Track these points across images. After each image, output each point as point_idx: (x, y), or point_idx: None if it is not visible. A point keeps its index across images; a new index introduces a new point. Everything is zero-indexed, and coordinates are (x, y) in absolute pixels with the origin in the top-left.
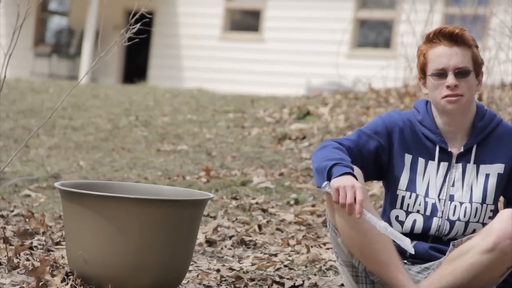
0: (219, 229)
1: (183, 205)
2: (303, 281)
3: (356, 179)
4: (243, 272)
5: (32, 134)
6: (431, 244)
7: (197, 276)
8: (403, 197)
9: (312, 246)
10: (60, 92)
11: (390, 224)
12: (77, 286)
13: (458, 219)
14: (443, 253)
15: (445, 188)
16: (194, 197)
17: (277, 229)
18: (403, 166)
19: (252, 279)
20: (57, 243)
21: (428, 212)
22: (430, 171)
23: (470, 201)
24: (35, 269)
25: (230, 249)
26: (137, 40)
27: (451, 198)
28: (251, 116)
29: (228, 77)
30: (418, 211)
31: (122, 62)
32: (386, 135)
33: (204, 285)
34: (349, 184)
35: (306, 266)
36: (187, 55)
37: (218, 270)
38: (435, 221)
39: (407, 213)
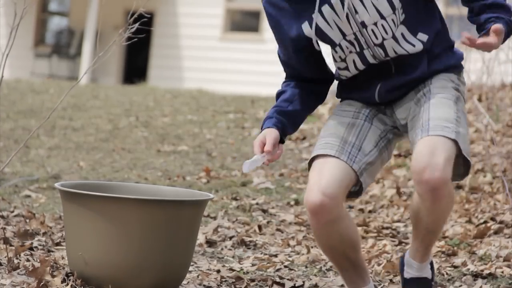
0: (219, 229)
1: (183, 205)
2: (303, 281)
3: (278, 126)
4: (244, 272)
5: (31, 134)
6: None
7: (198, 276)
8: (332, 54)
9: (312, 247)
10: (60, 93)
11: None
12: (77, 287)
13: (384, 39)
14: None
15: (352, 20)
16: (194, 198)
17: (277, 229)
18: (308, 27)
19: (252, 280)
20: (58, 244)
21: (358, 49)
22: (327, 11)
23: (382, 17)
24: (35, 270)
25: (230, 249)
26: (136, 40)
27: (363, 24)
28: (251, 116)
29: (228, 78)
30: (350, 52)
31: (122, 63)
32: (278, 22)
33: (204, 285)
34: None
35: (306, 267)
36: (187, 55)
37: (218, 271)
38: (367, 53)
39: (344, 60)
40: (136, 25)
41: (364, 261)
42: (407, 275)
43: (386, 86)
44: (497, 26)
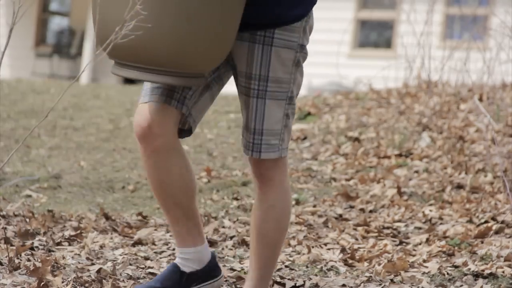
0: (220, 229)
1: None
2: (304, 281)
3: None
4: (244, 272)
5: (29, 132)
6: None
7: None
8: None
9: (313, 247)
10: (61, 93)
11: None
12: (77, 287)
13: None
14: None
15: None
16: None
17: None
18: None
19: None
20: (58, 244)
21: None
22: None
23: None
24: (36, 270)
25: (231, 249)
26: (133, 37)
27: None
28: None
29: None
30: None
31: None
32: None
33: None
34: None
35: (307, 267)
36: None
37: None
38: None
39: None
40: (133, 22)
41: (199, 218)
42: None
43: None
44: None
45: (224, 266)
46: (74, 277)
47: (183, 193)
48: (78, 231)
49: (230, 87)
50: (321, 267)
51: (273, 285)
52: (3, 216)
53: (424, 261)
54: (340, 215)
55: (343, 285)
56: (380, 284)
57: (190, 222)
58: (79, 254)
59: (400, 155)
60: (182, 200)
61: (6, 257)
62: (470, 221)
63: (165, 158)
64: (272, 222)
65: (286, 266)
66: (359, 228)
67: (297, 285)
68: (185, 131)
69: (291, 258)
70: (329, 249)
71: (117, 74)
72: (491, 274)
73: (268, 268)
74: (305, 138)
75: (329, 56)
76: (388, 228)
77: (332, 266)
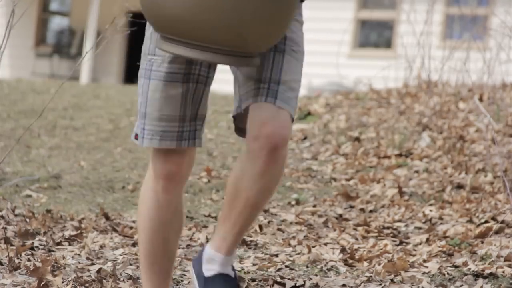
0: None
1: None
2: (304, 281)
3: None
4: (244, 272)
5: (25, 130)
6: None
7: None
8: None
9: (313, 247)
10: (61, 92)
11: None
12: (77, 287)
13: None
14: None
15: None
16: None
17: (278, 229)
18: None
19: (253, 280)
20: (58, 244)
21: None
22: None
23: None
24: (36, 270)
25: None
26: (134, 36)
27: None
28: None
29: (229, 77)
30: None
31: (123, 62)
32: None
33: None
34: None
35: (307, 267)
36: None
37: None
38: None
39: None
40: (127, 18)
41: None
42: (208, 272)
43: None
44: None
45: None
46: (74, 277)
47: (177, 236)
48: (78, 231)
49: (229, 87)
50: (321, 267)
51: (273, 285)
52: (3, 217)
53: (424, 261)
54: (340, 215)
55: (343, 285)
56: (380, 284)
57: (168, 276)
58: (79, 254)
59: (400, 155)
60: (173, 249)
61: (6, 257)
62: (470, 221)
63: (178, 196)
64: (266, 194)
65: (286, 266)
66: (359, 228)
67: (297, 285)
68: None
69: (291, 258)
70: (329, 249)
71: (166, 51)
72: (491, 274)
73: (245, 232)
74: (305, 138)
75: (329, 56)
76: (388, 228)
77: (332, 266)
